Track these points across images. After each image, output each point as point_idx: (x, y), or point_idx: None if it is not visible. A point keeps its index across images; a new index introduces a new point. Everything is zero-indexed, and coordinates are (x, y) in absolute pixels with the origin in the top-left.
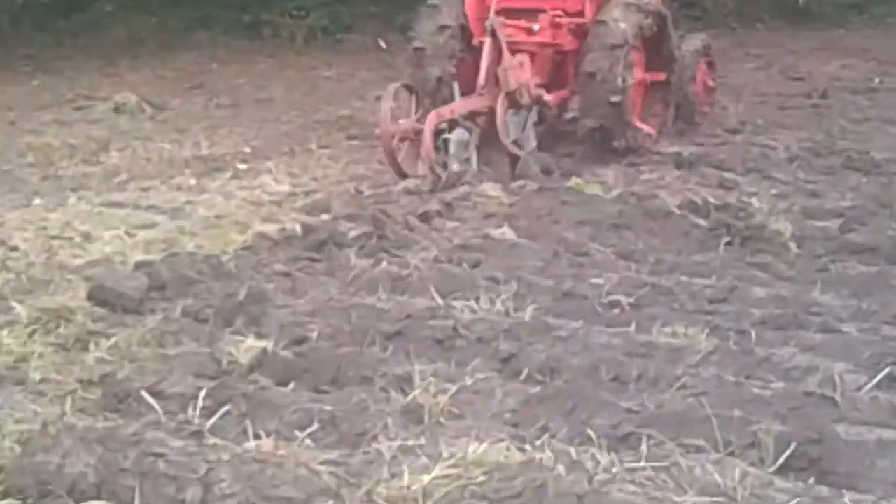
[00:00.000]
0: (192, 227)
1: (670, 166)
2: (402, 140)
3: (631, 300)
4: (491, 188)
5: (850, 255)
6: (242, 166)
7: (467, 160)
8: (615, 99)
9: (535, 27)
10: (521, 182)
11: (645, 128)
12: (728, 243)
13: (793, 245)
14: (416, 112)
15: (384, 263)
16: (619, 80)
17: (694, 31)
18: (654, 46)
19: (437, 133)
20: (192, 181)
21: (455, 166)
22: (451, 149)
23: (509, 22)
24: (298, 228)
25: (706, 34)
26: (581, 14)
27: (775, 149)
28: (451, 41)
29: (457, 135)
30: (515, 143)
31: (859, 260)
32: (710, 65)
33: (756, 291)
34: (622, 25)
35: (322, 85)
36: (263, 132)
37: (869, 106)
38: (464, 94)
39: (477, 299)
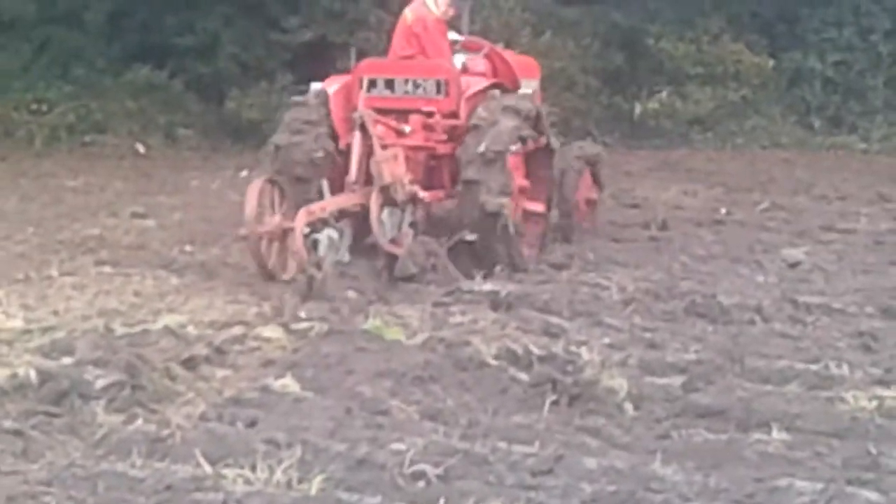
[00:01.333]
0: None
1: (485, 308)
2: (269, 241)
3: (439, 471)
4: (270, 330)
5: (696, 420)
6: None
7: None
8: (493, 209)
9: (407, 128)
10: (307, 323)
11: (524, 249)
12: (553, 402)
13: (629, 406)
14: (282, 209)
15: (139, 421)
16: (500, 190)
17: None
18: (533, 153)
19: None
20: None
21: (329, 267)
22: (321, 250)
23: (379, 119)
24: (33, 375)
25: (593, 142)
26: (455, 115)
27: (608, 289)
28: (317, 139)
29: (327, 235)
30: (393, 241)
31: (706, 426)
32: (596, 176)
33: (586, 462)
34: (502, 130)
35: (66, 197)
36: None
37: (714, 241)
38: (332, 194)
39: (253, 467)
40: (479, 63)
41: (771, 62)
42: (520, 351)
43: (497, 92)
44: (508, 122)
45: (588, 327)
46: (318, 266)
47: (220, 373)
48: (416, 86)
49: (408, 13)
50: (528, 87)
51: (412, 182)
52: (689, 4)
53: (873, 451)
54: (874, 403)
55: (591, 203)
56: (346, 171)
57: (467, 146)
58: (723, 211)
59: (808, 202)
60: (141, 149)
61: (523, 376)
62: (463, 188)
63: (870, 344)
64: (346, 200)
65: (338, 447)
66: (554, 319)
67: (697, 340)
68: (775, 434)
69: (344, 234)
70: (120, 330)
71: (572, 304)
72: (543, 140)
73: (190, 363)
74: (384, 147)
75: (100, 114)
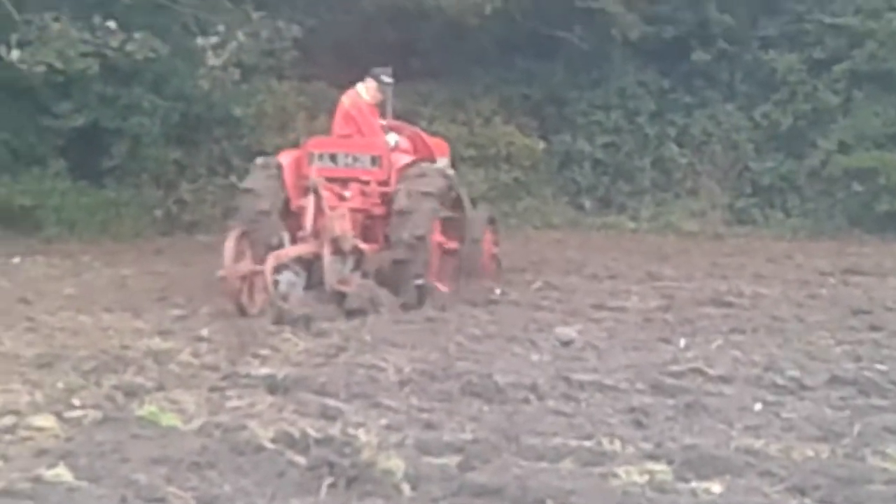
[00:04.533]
0: None
1: (262, 391)
2: (242, 281)
3: None
4: (43, 419)
5: (472, 499)
6: None
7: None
8: (420, 233)
9: (347, 194)
10: (80, 411)
11: (439, 286)
12: (331, 485)
13: (406, 487)
14: (251, 256)
15: None
16: (425, 219)
17: None
18: (449, 214)
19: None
20: None
21: (295, 300)
22: (283, 288)
23: (326, 186)
24: None
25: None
26: (387, 183)
27: (384, 371)
28: (278, 185)
29: (287, 276)
30: (341, 282)
31: None
32: (495, 234)
33: None
34: (431, 179)
35: None
36: None
37: (489, 321)
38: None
39: None
40: (404, 142)
41: (542, 144)
42: (297, 434)
43: (424, 162)
44: (435, 178)
45: (365, 409)
46: (284, 299)
47: None
48: (355, 159)
49: (345, 100)
50: (442, 162)
51: (354, 236)
52: (461, 87)
53: None
54: (645, 478)
55: (493, 257)
56: (296, 226)
57: (401, 188)
58: (497, 291)
59: (580, 281)
60: None
61: (300, 459)
62: (396, 218)
63: (640, 419)
64: (304, 249)
65: None
66: (331, 402)
67: (473, 420)
68: None
69: (300, 275)
70: None
71: (349, 387)
72: (457, 201)
73: None
74: (332, 208)
75: None
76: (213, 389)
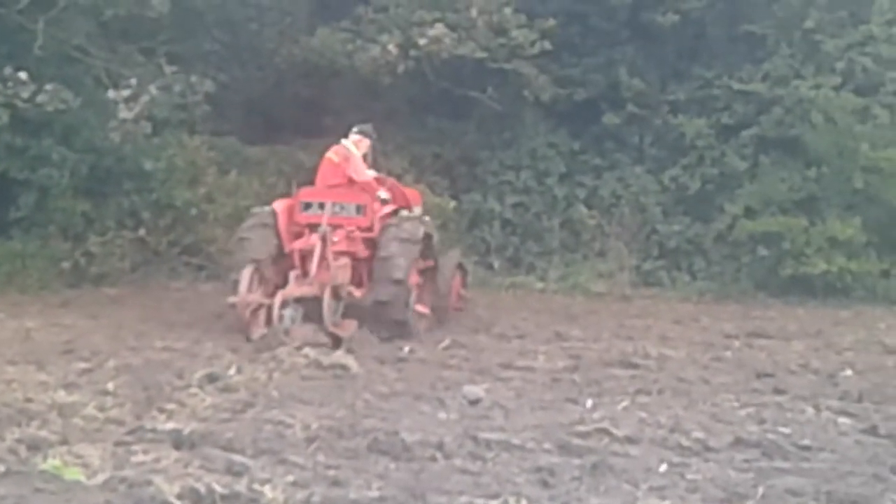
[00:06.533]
0: None
1: (168, 446)
2: (251, 309)
3: None
4: None
5: None
6: None
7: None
8: (400, 276)
9: (335, 239)
10: None
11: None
12: None
13: None
14: (259, 288)
15: None
16: (405, 264)
17: None
18: (423, 262)
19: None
20: None
21: (299, 334)
22: (286, 322)
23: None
24: None
25: (458, 250)
26: (370, 230)
27: (292, 427)
28: (272, 232)
29: (289, 312)
30: (335, 325)
31: None
32: (464, 276)
33: None
34: (410, 227)
35: None
36: None
37: (397, 379)
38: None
39: None
40: (386, 194)
41: (452, 203)
42: (203, 490)
43: (405, 211)
44: (414, 226)
45: (272, 465)
46: (286, 333)
47: None
48: (342, 208)
49: (333, 156)
50: (417, 210)
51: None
52: (373, 145)
53: None
54: None
55: (461, 297)
56: (289, 267)
57: (384, 235)
58: (405, 349)
59: (489, 340)
60: None
61: None
62: (379, 262)
63: (547, 479)
64: (308, 290)
65: None
66: (237, 458)
67: (380, 478)
68: None
69: (298, 311)
70: None
71: (256, 442)
72: (431, 261)
73: None
74: (336, 256)
75: None
76: (118, 444)
